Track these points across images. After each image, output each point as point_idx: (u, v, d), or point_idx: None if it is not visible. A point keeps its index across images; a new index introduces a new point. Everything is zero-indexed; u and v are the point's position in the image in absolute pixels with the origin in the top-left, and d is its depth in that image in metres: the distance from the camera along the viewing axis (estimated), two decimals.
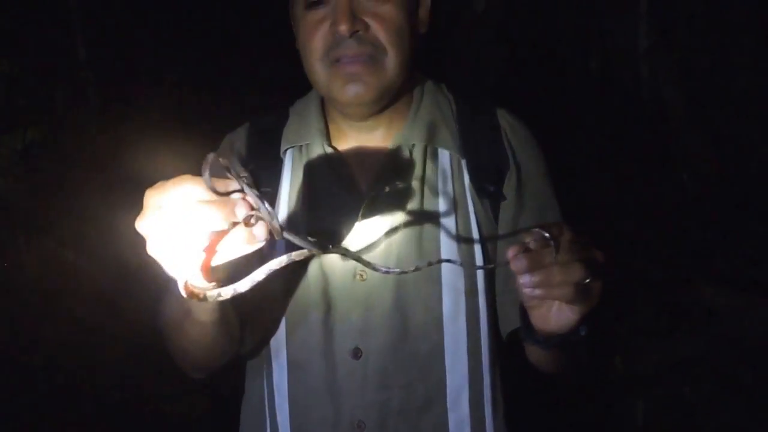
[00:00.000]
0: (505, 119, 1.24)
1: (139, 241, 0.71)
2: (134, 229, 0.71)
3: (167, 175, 0.72)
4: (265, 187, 1.20)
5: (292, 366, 1.16)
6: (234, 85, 2.78)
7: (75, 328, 2.24)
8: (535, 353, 1.14)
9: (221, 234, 0.71)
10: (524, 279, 0.82)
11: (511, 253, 0.83)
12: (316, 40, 1.13)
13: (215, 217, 0.68)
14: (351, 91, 1.12)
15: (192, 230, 0.68)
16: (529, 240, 0.83)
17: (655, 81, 2.55)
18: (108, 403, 2.33)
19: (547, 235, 0.82)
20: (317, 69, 1.15)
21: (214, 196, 0.69)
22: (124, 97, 2.62)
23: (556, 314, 0.90)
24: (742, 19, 2.48)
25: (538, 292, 0.83)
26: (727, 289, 2.50)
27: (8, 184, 2.20)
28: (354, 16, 1.09)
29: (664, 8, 2.54)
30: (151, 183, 0.72)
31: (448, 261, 0.96)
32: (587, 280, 0.84)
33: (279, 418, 1.16)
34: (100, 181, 2.36)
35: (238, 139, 1.29)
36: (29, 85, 2.40)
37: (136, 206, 0.71)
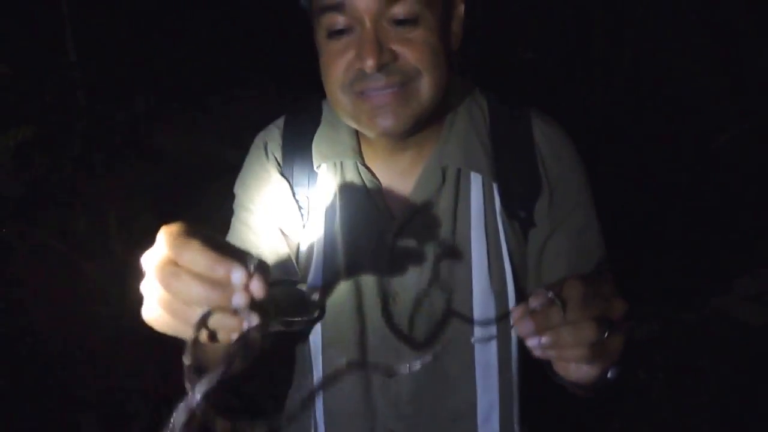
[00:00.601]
0: (540, 131, 1.16)
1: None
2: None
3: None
4: (301, 196, 1.18)
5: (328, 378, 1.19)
6: (224, 83, 2.83)
7: (67, 316, 2.30)
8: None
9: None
10: (532, 342, 0.75)
11: (515, 314, 0.77)
12: (338, 70, 1.02)
13: (203, 298, 0.65)
14: (381, 124, 1.03)
15: (178, 301, 0.66)
16: (534, 302, 0.76)
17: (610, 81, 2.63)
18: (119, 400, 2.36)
19: (551, 295, 0.75)
20: (341, 100, 1.05)
21: (216, 272, 0.65)
22: (111, 97, 2.71)
23: (575, 370, 0.83)
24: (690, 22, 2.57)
25: (549, 353, 0.77)
26: (680, 276, 2.58)
27: (1, 179, 2.27)
28: (381, 48, 0.98)
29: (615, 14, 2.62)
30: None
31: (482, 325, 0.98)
32: (602, 338, 0.76)
33: (317, 420, 1.20)
34: (89, 175, 2.44)
35: (272, 141, 1.22)
36: (21, 86, 2.48)
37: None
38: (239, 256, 0.66)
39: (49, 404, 2.33)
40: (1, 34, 2.38)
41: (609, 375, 0.87)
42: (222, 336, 0.68)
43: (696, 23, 2.59)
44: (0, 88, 2.36)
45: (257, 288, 0.65)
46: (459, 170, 1.14)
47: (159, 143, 2.70)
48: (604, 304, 0.78)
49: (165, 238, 0.66)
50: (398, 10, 0.99)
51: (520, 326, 0.76)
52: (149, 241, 0.68)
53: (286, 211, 1.18)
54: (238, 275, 0.64)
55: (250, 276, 0.64)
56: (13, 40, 2.44)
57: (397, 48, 1.00)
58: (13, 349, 2.35)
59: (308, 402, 1.22)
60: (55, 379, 2.36)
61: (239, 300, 0.65)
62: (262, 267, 0.66)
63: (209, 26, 2.85)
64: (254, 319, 0.66)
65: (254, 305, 0.66)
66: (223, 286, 0.64)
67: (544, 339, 0.75)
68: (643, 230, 2.56)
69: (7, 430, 2.22)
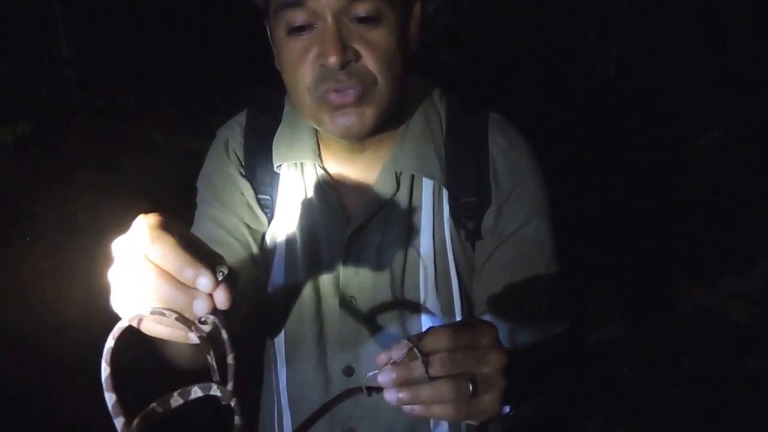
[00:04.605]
0: (496, 142, 1.16)
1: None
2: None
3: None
4: (263, 195, 1.20)
5: (291, 373, 1.23)
6: (220, 81, 2.86)
7: (63, 317, 2.19)
8: None
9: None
10: (389, 395, 0.72)
11: (378, 362, 0.74)
12: (302, 71, 1.04)
13: (167, 297, 0.63)
14: (342, 125, 1.05)
15: (140, 295, 0.64)
16: (396, 354, 0.72)
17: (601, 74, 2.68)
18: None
19: (413, 348, 0.72)
20: (304, 100, 1.07)
21: (184, 274, 0.63)
22: (106, 94, 2.72)
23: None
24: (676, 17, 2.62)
25: (414, 408, 0.72)
26: (667, 274, 2.66)
27: (0, 176, 2.30)
28: (344, 45, 1.00)
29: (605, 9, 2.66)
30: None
31: None
32: (466, 397, 0.72)
33: (284, 415, 1.25)
34: (87, 173, 2.47)
35: (234, 139, 1.23)
36: (17, 82, 2.50)
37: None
38: (210, 260, 0.65)
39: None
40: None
41: (504, 412, 0.84)
42: (166, 332, 0.67)
43: (686, 22, 2.63)
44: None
45: (221, 298, 0.64)
46: (413, 175, 1.16)
47: (152, 139, 2.71)
48: (474, 359, 0.73)
49: (140, 228, 0.64)
50: (360, 8, 0.99)
51: (380, 376, 0.72)
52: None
53: (250, 210, 1.21)
54: (204, 282, 0.63)
55: (216, 284, 0.63)
56: (9, 39, 2.45)
57: (358, 48, 1.01)
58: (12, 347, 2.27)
59: (275, 395, 1.27)
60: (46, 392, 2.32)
61: (200, 307, 0.64)
62: (230, 277, 0.65)
63: (203, 21, 2.87)
64: (206, 328, 0.66)
65: (215, 312, 0.65)
66: (188, 289, 0.63)
67: (402, 394, 0.71)
68: (629, 228, 2.57)
69: None
